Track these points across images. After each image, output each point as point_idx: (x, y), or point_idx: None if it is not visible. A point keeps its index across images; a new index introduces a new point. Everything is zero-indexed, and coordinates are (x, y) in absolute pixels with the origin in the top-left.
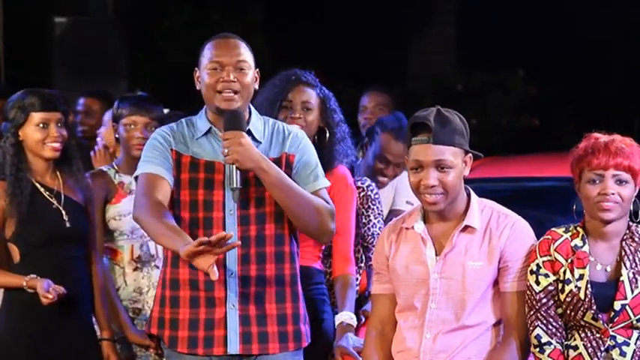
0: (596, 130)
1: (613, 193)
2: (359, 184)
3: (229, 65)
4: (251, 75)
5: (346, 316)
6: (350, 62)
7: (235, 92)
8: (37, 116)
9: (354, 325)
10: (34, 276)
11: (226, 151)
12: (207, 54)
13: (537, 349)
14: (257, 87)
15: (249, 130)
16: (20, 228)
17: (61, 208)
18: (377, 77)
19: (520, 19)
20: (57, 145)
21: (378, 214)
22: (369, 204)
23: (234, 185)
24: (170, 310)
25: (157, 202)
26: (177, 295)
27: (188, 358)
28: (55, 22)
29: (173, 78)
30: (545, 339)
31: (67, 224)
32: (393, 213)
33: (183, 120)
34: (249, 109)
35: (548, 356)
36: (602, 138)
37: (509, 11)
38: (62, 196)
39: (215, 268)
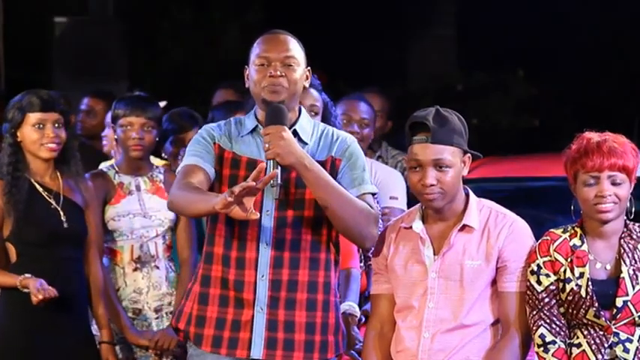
0: (587, 130)
1: (610, 195)
2: None
3: (277, 61)
4: (300, 72)
5: (346, 306)
6: (350, 62)
7: (282, 86)
8: (33, 117)
9: (357, 315)
10: (29, 275)
11: (267, 145)
12: (256, 50)
13: (541, 349)
14: (307, 85)
15: (295, 130)
16: (17, 227)
17: (59, 209)
18: (377, 77)
19: (520, 20)
20: (53, 145)
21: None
22: None
23: (274, 182)
24: (198, 306)
25: (188, 182)
26: (207, 293)
27: (210, 357)
28: (55, 22)
29: (173, 78)
30: (549, 338)
31: (65, 225)
32: (381, 212)
33: (232, 119)
34: (300, 110)
35: (553, 355)
36: (594, 138)
37: (509, 11)
38: (61, 197)
39: (253, 209)
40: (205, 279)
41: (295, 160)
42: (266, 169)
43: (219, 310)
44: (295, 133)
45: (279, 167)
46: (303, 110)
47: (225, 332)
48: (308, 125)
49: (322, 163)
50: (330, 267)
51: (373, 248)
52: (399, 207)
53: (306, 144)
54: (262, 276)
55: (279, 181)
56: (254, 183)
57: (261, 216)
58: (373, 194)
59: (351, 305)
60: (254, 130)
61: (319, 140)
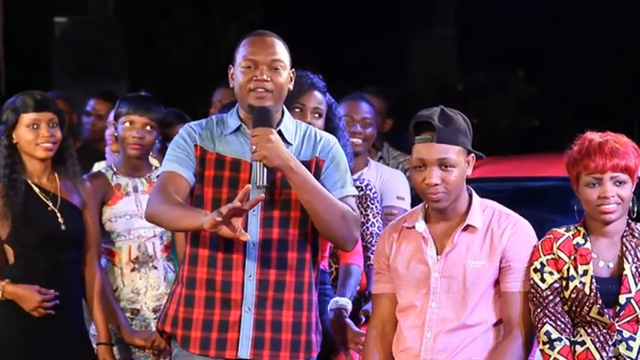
0: (588, 130)
1: (613, 196)
2: (357, 183)
3: (263, 64)
4: (285, 75)
5: (332, 302)
6: (350, 62)
7: (268, 91)
8: (27, 117)
9: (348, 309)
10: (8, 281)
11: (254, 147)
12: (242, 51)
13: (547, 346)
14: (291, 87)
15: (280, 130)
16: (14, 229)
17: (56, 211)
18: (377, 77)
19: (520, 20)
20: (49, 145)
21: (377, 213)
22: (368, 203)
23: (260, 183)
24: (184, 309)
25: (168, 193)
26: (193, 295)
27: (197, 359)
28: (55, 22)
29: (173, 78)
30: (555, 335)
31: (62, 227)
32: (385, 209)
33: (213, 117)
34: (282, 110)
35: (559, 353)
36: (596, 139)
37: (509, 11)
38: (58, 199)
39: (242, 230)
40: (190, 281)
41: (282, 162)
42: (252, 170)
43: (205, 311)
44: (280, 134)
45: (266, 169)
46: (286, 111)
47: (212, 334)
48: (291, 125)
49: (306, 164)
50: (312, 267)
51: (374, 248)
52: (405, 207)
53: (290, 144)
54: (250, 276)
55: (265, 183)
56: (240, 204)
57: (247, 215)
58: (354, 196)
59: (335, 301)
60: (237, 129)
61: (303, 140)
